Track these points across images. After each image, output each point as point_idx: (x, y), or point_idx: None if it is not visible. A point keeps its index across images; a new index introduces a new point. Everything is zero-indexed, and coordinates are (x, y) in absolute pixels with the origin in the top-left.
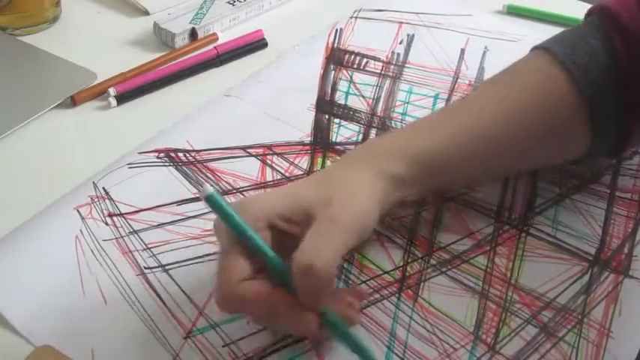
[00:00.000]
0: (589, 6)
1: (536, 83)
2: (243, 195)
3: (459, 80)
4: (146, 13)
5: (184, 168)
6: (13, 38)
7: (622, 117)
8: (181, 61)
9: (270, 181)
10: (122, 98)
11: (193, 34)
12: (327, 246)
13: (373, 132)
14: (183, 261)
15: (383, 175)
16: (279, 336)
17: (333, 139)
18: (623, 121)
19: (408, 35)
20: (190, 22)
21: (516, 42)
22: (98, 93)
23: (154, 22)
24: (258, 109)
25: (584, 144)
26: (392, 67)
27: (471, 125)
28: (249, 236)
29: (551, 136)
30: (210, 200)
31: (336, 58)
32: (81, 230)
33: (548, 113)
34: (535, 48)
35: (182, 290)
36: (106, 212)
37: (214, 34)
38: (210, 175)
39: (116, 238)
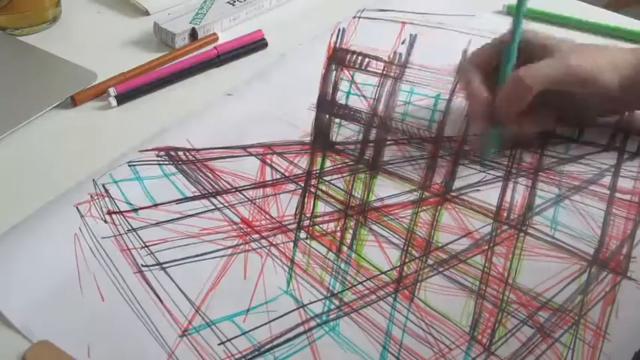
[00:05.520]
0: (588, 6)
1: None
2: (242, 195)
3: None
4: (146, 13)
5: (184, 167)
6: (13, 38)
7: None
8: (181, 61)
9: (270, 181)
10: (122, 98)
11: (193, 34)
12: (543, 71)
13: (373, 132)
14: (181, 259)
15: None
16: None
17: (333, 139)
18: None
19: (410, 35)
20: (190, 22)
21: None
22: (98, 93)
23: (154, 22)
24: (259, 108)
25: None
26: (394, 67)
27: None
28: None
29: None
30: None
31: (338, 58)
32: (80, 228)
33: None
34: None
35: (179, 288)
36: (105, 210)
37: (214, 34)
38: (209, 174)
39: (115, 236)
